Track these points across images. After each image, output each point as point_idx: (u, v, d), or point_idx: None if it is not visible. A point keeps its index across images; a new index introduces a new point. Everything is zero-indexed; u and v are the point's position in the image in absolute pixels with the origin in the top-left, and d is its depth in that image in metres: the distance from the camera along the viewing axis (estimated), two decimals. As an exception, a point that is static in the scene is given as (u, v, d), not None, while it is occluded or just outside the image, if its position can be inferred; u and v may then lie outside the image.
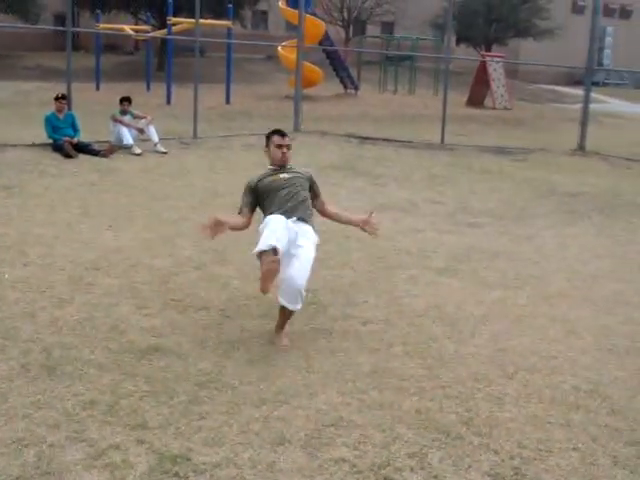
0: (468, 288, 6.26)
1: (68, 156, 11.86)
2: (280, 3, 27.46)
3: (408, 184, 11.10)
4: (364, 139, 15.79)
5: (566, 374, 4.58)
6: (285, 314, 4.96)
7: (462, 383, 4.38)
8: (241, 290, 5.92)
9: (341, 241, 7.49)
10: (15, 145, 12.37)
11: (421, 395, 4.20)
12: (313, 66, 25.37)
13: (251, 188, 5.35)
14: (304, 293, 4.87)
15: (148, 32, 28.90)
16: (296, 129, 16.32)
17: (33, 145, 12.50)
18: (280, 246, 4.71)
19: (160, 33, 27.02)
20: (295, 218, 5.08)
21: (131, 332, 4.95)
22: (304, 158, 12.89)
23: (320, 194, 5.56)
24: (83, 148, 12.26)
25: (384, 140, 15.75)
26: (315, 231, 5.21)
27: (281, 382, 4.29)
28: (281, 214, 5.05)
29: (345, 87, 29.49)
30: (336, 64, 29.38)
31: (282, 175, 5.34)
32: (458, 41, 45.90)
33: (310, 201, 5.37)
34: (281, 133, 5.51)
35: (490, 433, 3.82)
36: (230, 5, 25.66)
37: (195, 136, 14.56)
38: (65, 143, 12.06)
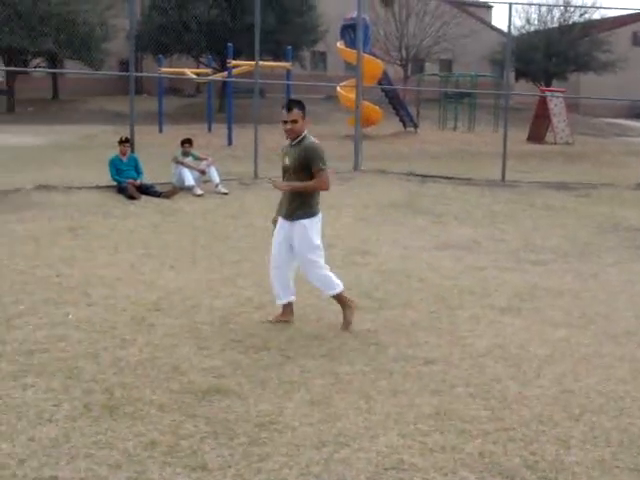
0: (532, 327, 6.14)
1: (131, 198, 12.07)
2: (338, 44, 27.73)
3: (469, 222, 11.01)
4: (424, 177, 15.74)
5: (634, 416, 4.44)
6: (338, 300, 6.03)
7: (526, 425, 4.28)
8: (301, 330, 5.90)
9: (402, 280, 7.45)
10: (80, 187, 12.64)
11: (484, 438, 4.11)
12: (372, 105, 25.48)
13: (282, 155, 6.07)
14: (329, 275, 5.95)
15: (209, 75, 29.40)
16: (356, 168, 16.38)
17: (97, 187, 12.76)
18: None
19: (221, 76, 27.48)
20: (284, 218, 5.95)
21: (192, 373, 4.97)
22: (364, 197, 12.93)
23: (319, 170, 5.79)
24: (146, 190, 12.47)
25: (444, 178, 15.67)
26: (309, 212, 5.89)
27: (342, 424, 4.24)
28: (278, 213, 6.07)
29: (404, 125, 29.55)
30: (395, 102, 29.49)
31: (285, 159, 5.91)
32: (517, 77, 45.70)
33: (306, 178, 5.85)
34: (288, 105, 5.83)
35: (556, 478, 3.71)
36: (289, 47, 26.02)
37: (256, 176, 14.69)
38: (128, 185, 12.29)
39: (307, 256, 5.91)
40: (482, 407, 4.51)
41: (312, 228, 5.90)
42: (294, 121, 5.77)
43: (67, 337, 5.61)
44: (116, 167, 12.69)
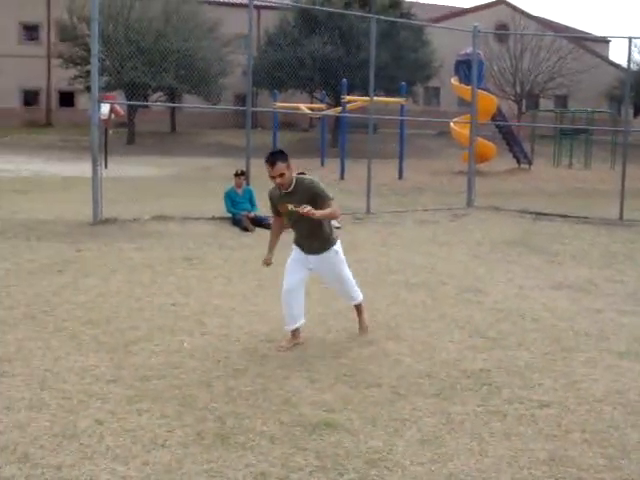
0: (652, 373, 5.91)
1: (246, 230, 12.30)
2: (452, 80, 27.68)
3: (586, 262, 10.72)
4: (538, 214, 15.46)
5: None
6: (359, 310, 6.63)
7: (647, 476, 4.11)
8: (413, 367, 5.85)
9: (516, 320, 7.31)
10: (197, 218, 12.96)
11: (602, 487, 3.97)
12: (486, 141, 25.28)
13: (270, 198, 6.31)
14: (352, 283, 6.50)
15: (323, 110, 29.78)
16: (469, 204, 16.25)
17: (213, 218, 13.05)
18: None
19: (335, 111, 27.80)
20: (308, 254, 6.26)
21: (303, 405, 4.99)
22: (477, 234, 12.78)
23: (325, 199, 5.93)
24: (260, 222, 12.67)
25: (559, 216, 15.35)
26: (333, 239, 6.31)
27: (453, 465, 4.17)
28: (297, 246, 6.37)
29: (518, 162, 29.14)
30: (509, 138, 29.14)
31: (286, 205, 6.03)
32: (636, 113, 44.52)
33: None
34: (270, 161, 5.88)
35: (680, 533, 3.55)
36: (403, 83, 26.13)
37: (368, 211, 14.75)
38: (243, 217, 12.54)
39: (345, 273, 6.47)
40: (599, 455, 4.36)
41: (340, 250, 6.40)
42: (281, 175, 5.90)
43: (182, 365, 5.73)
44: (231, 199, 12.98)
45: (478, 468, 4.14)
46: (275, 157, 5.90)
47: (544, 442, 4.52)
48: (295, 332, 6.35)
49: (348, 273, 6.53)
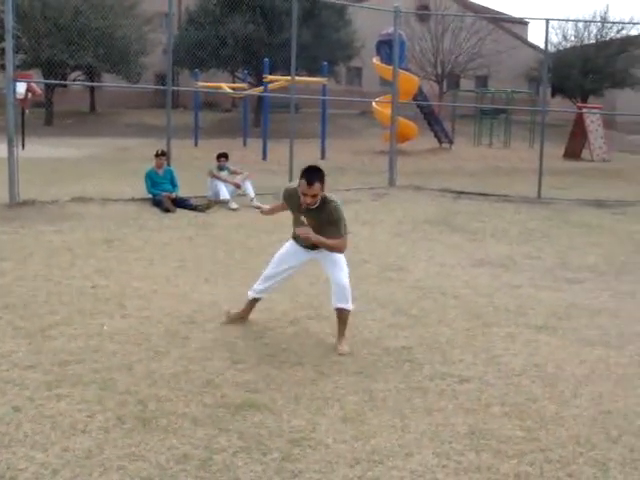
0: (568, 347, 6.06)
1: (167, 211, 12.15)
2: (374, 60, 27.79)
3: (505, 239, 10.92)
4: (459, 193, 15.68)
5: (675, 439, 4.35)
6: (342, 319, 5.83)
7: (563, 446, 4.21)
8: (335, 347, 5.86)
9: (437, 297, 7.40)
10: (116, 200, 12.75)
11: (520, 458, 4.05)
12: (407, 121, 25.48)
13: (283, 195, 6.03)
14: (351, 290, 5.78)
15: (245, 90, 29.60)
16: (391, 184, 16.37)
17: (133, 200, 12.86)
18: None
19: (257, 90, 27.66)
20: (310, 249, 5.89)
21: (226, 387, 4.96)
22: (399, 213, 12.89)
23: (341, 236, 5.63)
24: (181, 203, 12.55)
25: (480, 194, 15.60)
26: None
27: (376, 441, 4.20)
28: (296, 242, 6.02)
29: (439, 141, 29.51)
30: (430, 118, 29.48)
31: (301, 217, 5.75)
32: (553, 93, 45.48)
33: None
34: (308, 179, 5.47)
35: (595, 501, 3.65)
36: (325, 62, 26.12)
37: (290, 191, 14.69)
38: (164, 198, 12.38)
39: (345, 273, 5.87)
40: (518, 427, 4.45)
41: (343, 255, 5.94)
42: (314, 195, 5.51)
43: (102, 348, 5.63)
44: (152, 180, 12.79)
45: (400, 444, 4.18)
46: (314, 176, 5.46)
47: (465, 416, 4.59)
48: (252, 304, 6.34)
49: (347, 275, 5.90)
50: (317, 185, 5.46)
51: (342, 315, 5.85)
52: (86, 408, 4.53)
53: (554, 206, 14.55)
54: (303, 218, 5.74)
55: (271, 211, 6.44)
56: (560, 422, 4.54)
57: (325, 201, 5.62)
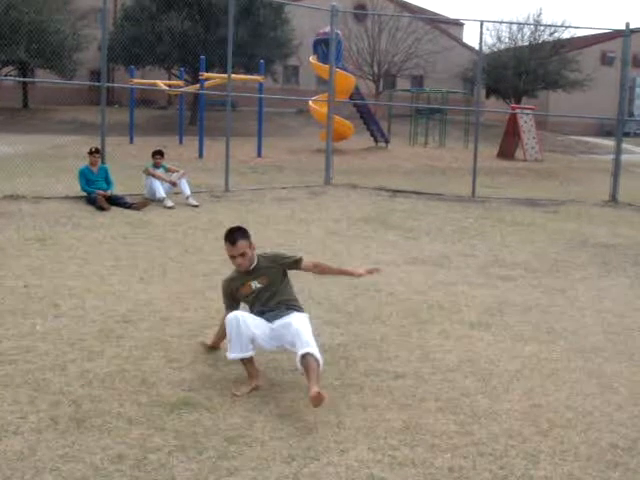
0: (501, 342, 6.17)
1: (101, 209, 11.99)
2: (311, 58, 27.83)
3: (440, 237, 11.06)
4: (395, 192, 15.82)
5: (603, 430, 4.47)
6: (309, 368, 4.65)
7: (496, 440, 4.29)
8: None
9: (373, 295, 7.46)
10: (49, 197, 12.55)
11: (454, 452, 4.11)
12: (344, 120, 25.60)
13: (224, 290, 5.39)
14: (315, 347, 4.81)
15: (181, 87, 29.36)
16: (327, 182, 16.43)
17: (67, 198, 12.67)
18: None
19: (193, 88, 27.46)
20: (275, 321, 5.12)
21: (161, 385, 4.93)
22: (335, 211, 12.95)
23: (300, 261, 5.26)
24: (116, 201, 12.40)
25: (415, 193, 15.76)
26: (300, 309, 5.27)
27: (311, 438, 4.22)
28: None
29: (375, 140, 29.68)
30: (366, 117, 29.62)
31: (249, 285, 5.21)
32: (488, 94, 46.16)
33: (290, 286, 5.34)
34: (230, 239, 5.13)
35: (525, 492, 3.72)
36: (262, 60, 26.07)
37: (227, 189, 14.67)
38: (98, 196, 12.21)
39: (309, 328, 5.05)
40: (452, 421, 4.52)
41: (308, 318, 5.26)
42: (243, 254, 5.12)
43: (34, 348, 5.54)
44: (86, 178, 12.61)
45: (336, 440, 4.21)
46: (235, 235, 5.13)
47: (399, 412, 4.64)
48: (251, 369, 5.07)
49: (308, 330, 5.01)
50: (242, 242, 5.13)
51: (309, 365, 4.72)
52: (18, 409, 4.46)
53: (488, 205, 14.79)
54: (255, 285, 5.22)
55: (218, 339, 5.58)
56: (493, 416, 4.62)
57: (261, 259, 5.28)
